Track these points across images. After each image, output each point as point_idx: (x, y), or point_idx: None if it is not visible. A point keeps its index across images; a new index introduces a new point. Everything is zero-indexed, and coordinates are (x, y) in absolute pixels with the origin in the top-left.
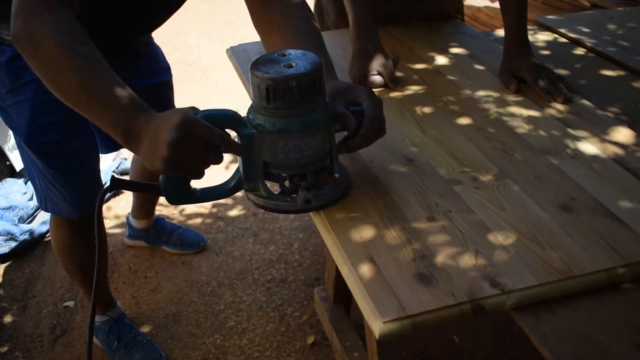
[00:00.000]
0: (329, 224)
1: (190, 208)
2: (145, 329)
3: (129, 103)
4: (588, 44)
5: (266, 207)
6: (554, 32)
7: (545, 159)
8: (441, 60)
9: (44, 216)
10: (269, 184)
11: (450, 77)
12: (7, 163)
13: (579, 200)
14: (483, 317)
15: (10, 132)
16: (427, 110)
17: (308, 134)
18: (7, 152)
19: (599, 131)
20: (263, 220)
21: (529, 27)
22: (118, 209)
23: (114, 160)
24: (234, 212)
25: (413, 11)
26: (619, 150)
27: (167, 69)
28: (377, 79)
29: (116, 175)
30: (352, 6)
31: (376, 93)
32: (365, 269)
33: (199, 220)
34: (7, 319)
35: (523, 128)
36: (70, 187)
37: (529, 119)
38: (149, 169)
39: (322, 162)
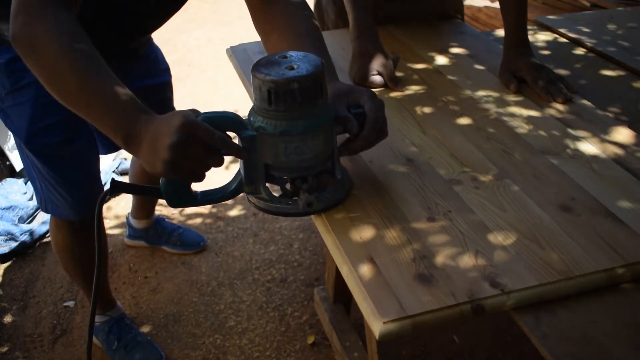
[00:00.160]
0: (329, 224)
1: (190, 208)
2: (145, 329)
3: (130, 105)
4: (588, 44)
5: (267, 210)
6: (554, 32)
7: (545, 159)
8: (441, 60)
9: (44, 216)
10: (270, 186)
11: (450, 77)
12: (7, 163)
13: (579, 200)
14: (483, 317)
15: (10, 133)
16: (427, 110)
17: (310, 136)
18: (7, 152)
19: (599, 131)
20: (263, 220)
21: (529, 27)
22: (118, 209)
23: (114, 160)
24: (234, 212)
25: (413, 11)
26: (619, 150)
27: (166, 70)
28: (377, 79)
29: (116, 178)
30: (352, 6)
31: (376, 93)
32: (365, 269)
33: (199, 220)
34: (7, 319)
35: (523, 128)
36: (70, 188)
37: (529, 119)
38: (149, 171)
39: (324, 164)
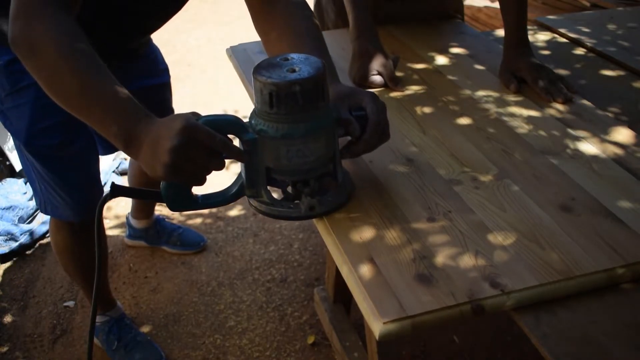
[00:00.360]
0: (329, 224)
1: None
2: (145, 329)
3: (130, 108)
4: (588, 44)
5: (269, 214)
6: (554, 32)
7: (545, 159)
8: (441, 60)
9: (44, 216)
10: (271, 190)
11: (450, 77)
12: (7, 163)
13: (579, 200)
14: (483, 317)
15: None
16: (427, 110)
17: (311, 139)
18: (7, 152)
19: (599, 131)
20: (263, 220)
21: (529, 27)
22: (118, 209)
23: (113, 160)
24: (234, 212)
25: (413, 11)
26: (619, 150)
27: (165, 70)
28: (377, 79)
29: (116, 179)
30: (352, 6)
31: (376, 93)
32: (365, 270)
33: (199, 220)
34: (7, 319)
35: (523, 128)
36: (70, 190)
37: (529, 119)
38: (150, 175)
39: (326, 167)
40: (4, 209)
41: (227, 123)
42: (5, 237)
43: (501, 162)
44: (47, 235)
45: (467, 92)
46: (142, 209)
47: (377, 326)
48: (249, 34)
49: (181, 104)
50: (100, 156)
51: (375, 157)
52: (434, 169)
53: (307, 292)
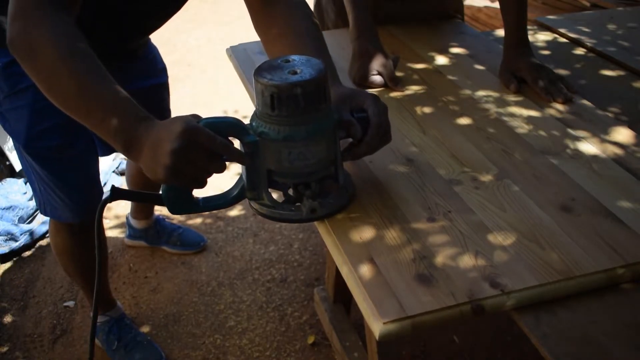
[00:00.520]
0: (329, 224)
1: None
2: (145, 329)
3: (130, 111)
4: (588, 44)
5: (270, 217)
6: (554, 32)
7: (545, 159)
8: (441, 60)
9: (44, 216)
10: (272, 191)
11: (450, 77)
12: (7, 163)
13: (579, 200)
14: (483, 317)
15: None
16: (427, 110)
17: (313, 141)
18: (7, 152)
19: (599, 131)
20: (263, 221)
21: (529, 27)
22: (118, 209)
23: (114, 160)
24: (234, 212)
25: (413, 11)
26: (619, 150)
27: (163, 70)
28: (377, 78)
29: (116, 179)
30: (352, 6)
31: (376, 93)
32: (365, 270)
33: (199, 220)
34: (7, 319)
35: (523, 128)
36: (69, 191)
37: (529, 119)
38: (150, 178)
39: (327, 170)
40: (4, 209)
41: (227, 125)
42: (5, 237)
43: (501, 162)
44: (47, 235)
45: (467, 92)
46: (142, 209)
47: (377, 326)
48: (249, 34)
49: (181, 104)
50: (99, 157)
51: (375, 157)
52: (434, 169)
53: (307, 292)
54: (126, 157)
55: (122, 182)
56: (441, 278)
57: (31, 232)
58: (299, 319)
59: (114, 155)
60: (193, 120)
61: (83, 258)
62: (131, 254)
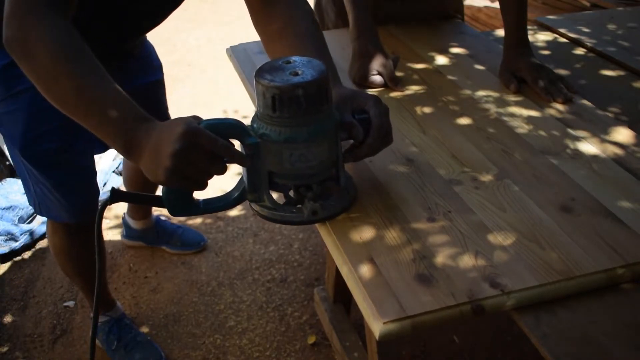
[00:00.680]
0: (329, 224)
1: None
2: (145, 329)
3: (129, 113)
4: (588, 44)
5: (271, 219)
6: (554, 32)
7: (545, 159)
8: (441, 60)
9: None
10: (273, 194)
11: (450, 77)
12: (7, 163)
13: (579, 200)
14: (483, 317)
15: None
16: (427, 110)
17: (314, 143)
18: (7, 153)
19: (599, 131)
20: (263, 221)
21: (529, 27)
22: (118, 209)
23: (113, 160)
24: (234, 212)
25: (413, 11)
26: (619, 150)
27: (159, 67)
28: (377, 78)
29: (115, 179)
30: (352, 6)
31: (376, 93)
32: (365, 270)
33: (199, 220)
34: (7, 319)
35: (523, 128)
36: (66, 193)
37: (529, 119)
38: (151, 180)
39: (328, 171)
40: (4, 209)
41: (228, 127)
42: (5, 237)
43: (501, 162)
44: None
45: (467, 92)
46: (139, 208)
47: (377, 326)
48: (249, 34)
49: (181, 104)
50: (99, 155)
51: (375, 157)
52: (434, 169)
53: (307, 292)
54: (126, 158)
55: (122, 182)
56: (441, 278)
57: (31, 232)
58: (299, 319)
59: (114, 155)
60: (194, 122)
61: (81, 258)
62: (131, 254)
